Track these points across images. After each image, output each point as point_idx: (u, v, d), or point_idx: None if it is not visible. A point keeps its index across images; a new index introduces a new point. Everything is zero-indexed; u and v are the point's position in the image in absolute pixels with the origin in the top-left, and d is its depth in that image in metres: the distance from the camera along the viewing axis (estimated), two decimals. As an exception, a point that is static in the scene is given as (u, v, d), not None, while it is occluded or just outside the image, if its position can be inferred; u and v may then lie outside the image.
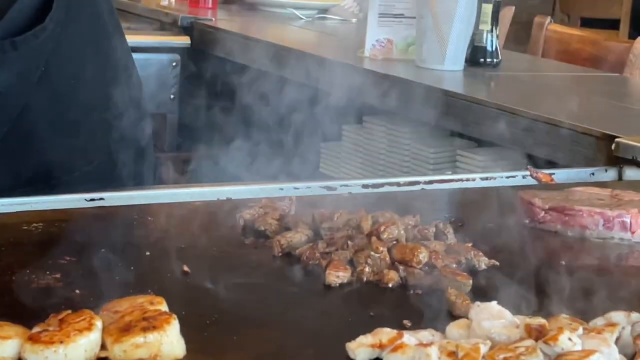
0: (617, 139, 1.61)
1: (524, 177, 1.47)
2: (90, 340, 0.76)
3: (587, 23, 5.27)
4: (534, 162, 1.89)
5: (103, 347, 0.77)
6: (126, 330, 0.77)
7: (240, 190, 1.25)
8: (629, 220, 1.17)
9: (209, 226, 1.13)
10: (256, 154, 1.65)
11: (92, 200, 1.23)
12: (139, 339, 0.76)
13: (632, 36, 4.50)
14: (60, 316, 0.79)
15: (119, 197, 1.24)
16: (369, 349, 0.79)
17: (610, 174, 1.57)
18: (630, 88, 2.75)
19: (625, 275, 1.07)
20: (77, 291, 0.91)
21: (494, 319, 0.82)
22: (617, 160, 1.60)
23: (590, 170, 1.57)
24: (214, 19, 3.20)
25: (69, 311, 0.80)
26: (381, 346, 0.78)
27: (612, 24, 5.35)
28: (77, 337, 0.76)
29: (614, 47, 3.16)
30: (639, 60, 3.00)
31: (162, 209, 1.20)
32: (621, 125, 1.86)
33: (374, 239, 1.03)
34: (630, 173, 1.56)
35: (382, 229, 1.04)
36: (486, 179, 1.47)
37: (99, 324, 0.78)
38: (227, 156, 1.64)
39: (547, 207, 1.20)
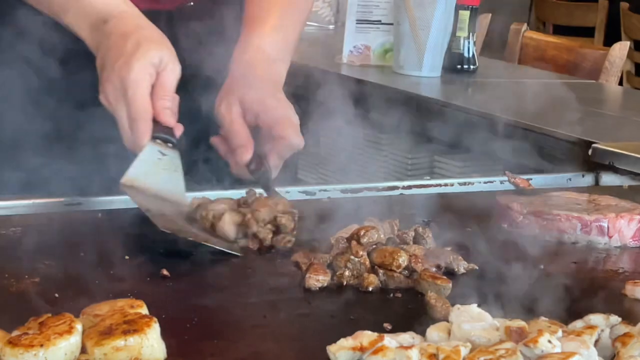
0: (593, 145, 1.62)
1: (501, 182, 1.48)
2: (70, 343, 0.76)
3: (561, 31, 5.30)
4: (512, 167, 1.90)
5: (83, 350, 0.77)
6: (107, 333, 0.77)
7: (219, 195, 1.25)
8: (606, 225, 1.18)
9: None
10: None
11: (70, 204, 1.22)
12: (120, 342, 0.76)
13: (607, 43, 4.53)
14: (41, 319, 0.79)
15: (97, 201, 1.23)
16: (349, 352, 0.79)
17: (587, 180, 1.58)
18: (605, 94, 2.77)
19: (602, 278, 1.08)
20: (57, 295, 0.91)
21: (474, 321, 0.82)
22: (594, 165, 1.61)
23: (567, 175, 1.58)
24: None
25: (49, 314, 0.80)
26: (362, 349, 0.79)
27: (586, 32, 5.38)
28: (58, 340, 0.76)
29: (589, 54, 3.18)
30: (614, 67, 3.02)
31: (140, 213, 1.20)
32: (597, 131, 1.88)
33: (353, 243, 1.03)
34: (607, 178, 1.57)
35: (361, 233, 1.04)
36: (464, 184, 1.47)
37: (79, 327, 0.78)
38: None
39: (525, 211, 1.21)
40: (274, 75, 1.32)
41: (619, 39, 4.39)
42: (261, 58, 1.31)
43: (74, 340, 0.76)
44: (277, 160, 1.26)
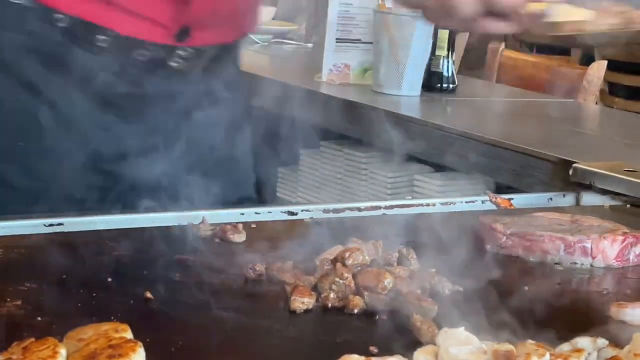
0: (574, 165, 1.63)
1: (483, 202, 1.48)
2: (54, 368, 0.75)
3: (541, 49, 5.33)
4: (492, 187, 1.91)
5: (68, 375, 0.76)
6: (91, 358, 0.76)
7: (201, 215, 1.24)
8: (589, 246, 1.18)
9: (171, 252, 1.12)
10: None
11: (51, 225, 1.21)
12: (105, 367, 0.75)
13: (584, 62, 4.56)
14: (24, 344, 0.78)
15: (79, 222, 1.23)
16: (336, 376, 0.78)
17: (568, 199, 1.58)
18: (584, 113, 2.79)
19: (587, 300, 1.08)
20: (40, 318, 0.90)
21: (462, 345, 0.82)
22: (575, 185, 1.61)
23: (548, 195, 1.58)
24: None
25: (32, 339, 0.79)
26: (349, 373, 0.78)
27: (562, 50, 5.41)
28: (42, 365, 0.75)
29: (567, 73, 3.20)
30: (592, 86, 3.04)
31: (123, 234, 1.19)
32: (577, 151, 1.88)
33: (338, 265, 1.03)
34: (588, 198, 1.58)
35: (346, 254, 1.04)
36: (446, 204, 1.47)
37: (63, 352, 0.77)
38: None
39: (508, 232, 1.21)
40: None
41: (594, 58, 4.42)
42: None
43: (58, 366, 0.76)
44: None
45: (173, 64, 1.40)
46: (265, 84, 2.48)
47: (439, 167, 2.22)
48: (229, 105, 1.48)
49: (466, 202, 1.49)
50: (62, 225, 1.21)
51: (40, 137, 1.36)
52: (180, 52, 1.40)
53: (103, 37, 1.35)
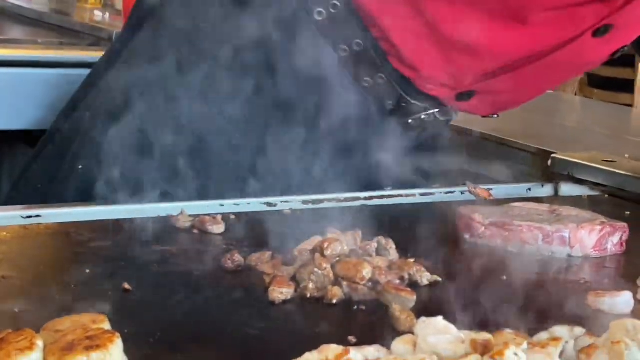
0: (553, 155, 1.63)
1: (462, 192, 1.48)
2: (31, 360, 0.75)
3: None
4: (471, 177, 1.91)
5: (45, 366, 0.76)
6: (68, 349, 0.76)
7: (180, 207, 1.24)
8: (567, 235, 1.19)
9: (149, 243, 1.12)
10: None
11: (28, 217, 1.21)
12: (82, 358, 0.75)
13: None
14: (0, 335, 0.77)
15: (57, 213, 1.22)
16: (315, 366, 0.78)
17: (547, 190, 1.58)
18: (563, 104, 2.79)
19: (565, 289, 1.08)
20: (16, 310, 0.90)
21: (440, 334, 0.82)
22: (553, 175, 1.62)
23: (527, 185, 1.59)
24: (149, 34, 3.17)
25: (9, 330, 0.78)
26: (327, 363, 0.78)
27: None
28: (18, 356, 0.74)
29: (546, 65, 3.19)
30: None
31: (101, 226, 1.19)
32: (556, 141, 1.89)
33: (317, 255, 1.03)
34: (566, 188, 1.58)
35: (325, 245, 1.04)
36: (425, 194, 1.47)
37: (40, 343, 0.76)
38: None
39: (487, 222, 1.21)
40: None
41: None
42: None
43: (35, 357, 0.75)
44: None
45: (411, 120, 1.40)
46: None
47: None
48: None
49: (445, 193, 1.49)
50: (40, 217, 1.20)
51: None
52: (424, 116, 1.41)
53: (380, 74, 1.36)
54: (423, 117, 1.42)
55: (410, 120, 1.42)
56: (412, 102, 1.39)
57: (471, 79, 1.36)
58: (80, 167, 1.38)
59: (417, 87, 1.39)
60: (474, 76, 1.36)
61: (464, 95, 1.40)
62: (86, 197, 1.30)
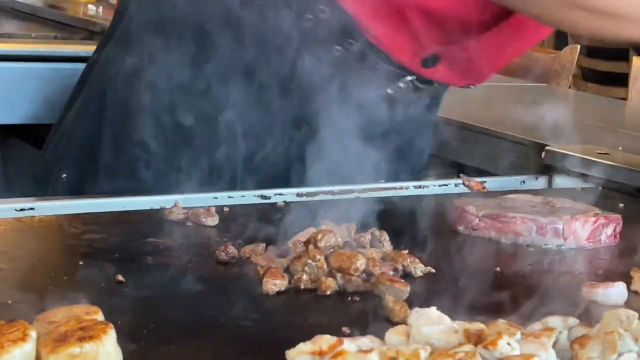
0: (547, 147, 1.64)
1: (456, 185, 1.49)
2: (25, 351, 0.75)
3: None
4: (465, 170, 1.91)
5: (38, 358, 0.75)
6: (62, 340, 0.76)
7: (173, 199, 1.24)
8: (561, 227, 1.19)
9: (143, 235, 1.12)
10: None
11: (22, 209, 1.20)
12: (75, 349, 0.75)
13: (557, 46, 4.57)
14: (-6, 327, 0.77)
15: (50, 206, 1.22)
16: (309, 357, 0.78)
17: (541, 182, 1.58)
18: (557, 97, 2.79)
19: (559, 280, 1.08)
20: (10, 301, 0.90)
21: (433, 324, 0.82)
22: (547, 168, 1.62)
23: (521, 178, 1.59)
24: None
25: (2, 321, 0.78)
26: (321, 353, 0.78)
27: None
28: (11, 347, 0.74)
29: (540, 58, 3.20)
30: (565, 71, 3.04)
31: (95, 218, 1.19)
32: (550, 134, 1.89)
33: (310, 247, 1.03)
34: (560, 181, 1.59)
35: (319, 237, 1.04)
36: (419, 187, 1.47)
37: (33, 334, 0.76)
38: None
39: (481, 214, 1.21)
40: None
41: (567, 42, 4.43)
42: None
43: (28, 348, 0.75)
44: None
45: (390, 90, 1.40)
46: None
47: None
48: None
49: (439, 186, 1.49)
50: (33, 210, 1.20)
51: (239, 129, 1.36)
52: (402, 84, 1.40)
53: (354, 42, 1.35)
54: (401, 85, 1.41)
55: (389, 90, 1.41)
56: (387, 67, 1.38)
57: (432, 42, 1.36)
58: (64, 175, 1.39)
59: (384, 52, 1.38)
60: (434, 39, 1.36)
61: (429, 61, 1.39)
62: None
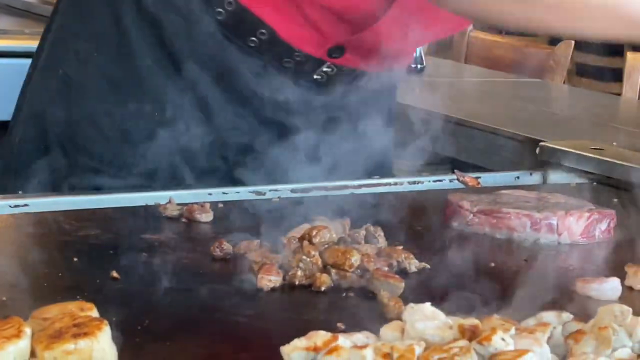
0: (541, 143, 1.63)
1: (450, 180, 1.49)
2: (19, 347, 0.75)
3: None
4: (460, 166, 1.91)
5: (33, 354, 0.75)
6: (56, 337, 0.76)
7: (166, 195, 1.24)
8: (555, 223, 1.19)
9: (137, 232, 1.12)
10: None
11: (16, 206, 1.20)
12: (70, 345, 0.75)
13: (552, 42, 4.57)
14: (-12, 323, 0.77)
15: (44, 202, 1.22)
16: (303, 352, 0.78)
17: (535, 178, 1.58)
18: (551, 93, 2.80)
19: (553, 276, 1.08)
20: (4, 298, 0.89)
21: (428, 320, 0.82)
22: (542, 163, 1.62)
23: (515, 173, 1.59)
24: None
25: (-3, 318, 0.78)
26: (316, 349, 0.78)
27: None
28: (6, 344, 0.74)
29: (534, 53, 3.21)
30: (559, 66, 3.05)
31: (89, 214, 1.19)
32: (544, 130, 1.89)
33: (305, 243, 1.03)
34: (554, 176, 1.59)
35: (313, 232, 1.04)
36: (414, 182, 1.47)
37: (28, 331, 0.76)
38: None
39: (475, 210, 1.21)
40: None
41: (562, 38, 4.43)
42: None
43: (23, 345, 0.75)
44: None
45: (316, 76, 1.40)
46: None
47: (407, 147, 2.22)
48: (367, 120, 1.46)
49: (434, 181, 1.49)
50: (27, 206, 1.20)
51: (172, 119, 1.36)
52: (325, 68, 1.39)
53: (255, 38, 1.35)
54: (325, 69, 1.40)
55: (315, 76, 1.41)
56: (305, 55, 1.39)
57: (333, 33, 1.36)
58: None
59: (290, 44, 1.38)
60: (335, 30, 1.36)
61: (334, 51, 1.39)
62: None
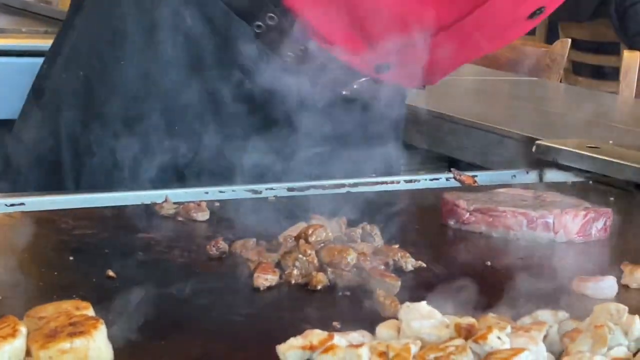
0: (537, 141, 1.63)
1: (447, 179, 1.49)
2: (14, 347, 0.74)
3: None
4: (456, 164, 1.91)
5: (28, 353, 0.75)
6: (52, 336, 0.76)
7: (162, 194, 1.24)
8: (551, 221, 1.19)
9: (133, 231, 1.12)
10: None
11: (12, 205, 1.20)
12: (66, 344, 0.75)
13: (548, 40, 4.57)
14: (-16, 323, 0.77)
15: (40, 201, 1.22)
16: (299, 351, 0.78)
17: (531, 176, 1.59)
18: (548, 91, 2.80)
19: (549, 274, 1.08)
20: (0, 297, 0.89)
21: (424, 319, 0.82)
22: (538, 162, 1.62)
23: (511, 172, 1.59)
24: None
25: (-8, 317, 0.78)
26: (312, 348, 0.78)
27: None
28: (1, 344, 0.74)
29: (531, 52, 3.21)
30: (556, 65, 3.05)
31: (85, 213, 1.18)
32: (541, 128, 1.89)
33: (301, 241, 1.03)
34: (551, 175, 1.59)
35: (310, 231, 1.04)
36: (410, 181, 1.47)
37: (23, 330, 0.76)
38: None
39: (471, 208, 1.21)
40: None
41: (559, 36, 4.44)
42: None
43: (18, 344, 0.75)
44: None
45: (344, 92, 1.40)
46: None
47: (404, 146, 2.22)
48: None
49: (430, 180, 1.49)
50: (23, 205, 1.20)
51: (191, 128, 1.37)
52: (355, 86, 1.40)
53: (320, 61, 1.35)
54: (355, 86, 1.40)
55: (344, 92, 1.41)
56: (340, 71, 1.38)
57: (386, 49, 1.36)
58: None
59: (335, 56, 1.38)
60: (386, 46, 1.36)
61: (382, 67, 1.39)
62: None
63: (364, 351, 0.76)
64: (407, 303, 0.84)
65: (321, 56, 1.35)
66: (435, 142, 1.95)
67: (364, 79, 1.40)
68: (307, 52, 1.35)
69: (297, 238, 1.04)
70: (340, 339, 0.79)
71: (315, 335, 0.79)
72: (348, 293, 0.97)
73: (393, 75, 1.40)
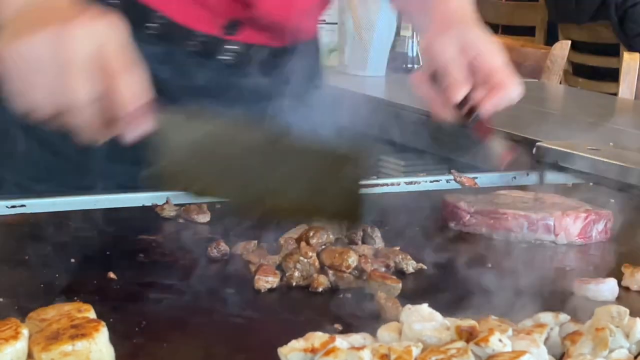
0: (538, 143, 1.64)
1: (447, 181, 1.49)
2: (16, 349, 0.75)
3: (507, 30, 5.34)
4: (457, 166, 1.91)
5: (30, 356, 0.75)
6: (54, 338, 0.76)
7: (163, 196, 1.24)
8: (552, 223, 1.19)
9: (134, 232, 1.12)
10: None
11: (13, 207, 1.20)
12: (67, 347, 0.75)
13: (548, 42, 4.57)
14: (-15, 325, 0.77)
15: (41, 203, 1.22)
16: (301, 354, 0.78)
17: (532, 178, 1.59)
18: (548, 93, 2.80)
19: (550, 276, 1.08)
20: (2, 299, 0.89)
21: (425, 321, 0.82)
22: (538, 164, 1.62)
23: (512, 174, 1.59)
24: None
25: (-6, 320, 0.78)
26: (313, 350, 0.78)
27: (529, 30, 5.42)
28: (3, 345, 0.74)
29: (531, 54, 3.20)
30: (556, 66, 3.05)
31: (86, 215, 1.18)
32: (541, 130, 1.89)
33: (302, 244, 1.03)
34: (551, 176, 1.59)
35: (311, 233, 1.04)
36: (411, 183, 1.47)
37: (25, 332, 0.76)
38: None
39: (472, 210, 1.21)
40: (480, 25, 1.32)
41: (558, 38, 4.44)
42: (464, 7, 1.33)
43: (20, 346, 0.75)
44: (491, 108, 1.24)
45: (222, 57, 1.38)
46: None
47: (404, 148, 2.22)
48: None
49: (431, 182, 1.49)
50: (24, 207, 1.20)
51: None
52: (229, 46, 1.38)
53: (154, 24, 1.32)
54: (231, 47, 1.39)
55: (223, 57, 1.38)
56: (205, 35, 1.36)
57: (225, 10, 1.34)
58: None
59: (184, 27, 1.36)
60: (226, 7, 1.34)
61: (230, 27, 1.37)
62: None
63: (366, 354, 0.76)
64: (409, 305, 0.84)
65: (173, 28, 1.33)
66: (436, 143, 1.95)
67: (230, 43, 1.37)
68: (164, 23, 1.32)
69: (298, 240, 1.04)
70: (341, 342, 0.79)
71: (317, 338, 0.79)
72: (349, 295, 0.97)
73: (247, 36, 1.37)
